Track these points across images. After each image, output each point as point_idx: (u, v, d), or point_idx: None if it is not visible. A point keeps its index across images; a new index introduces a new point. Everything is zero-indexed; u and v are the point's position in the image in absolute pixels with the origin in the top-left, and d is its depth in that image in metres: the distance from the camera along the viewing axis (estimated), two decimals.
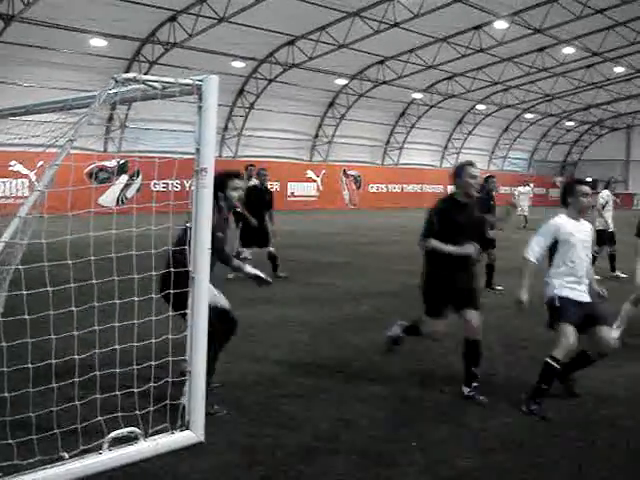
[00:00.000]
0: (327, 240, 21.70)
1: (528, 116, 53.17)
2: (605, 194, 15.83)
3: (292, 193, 40.24)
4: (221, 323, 6.15)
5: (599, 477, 5.04)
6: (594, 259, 8.03)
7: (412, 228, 28.84)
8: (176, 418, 5.34)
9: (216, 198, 5.80)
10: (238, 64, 33.52)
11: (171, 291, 5.24)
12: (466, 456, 5.30)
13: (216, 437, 5.44)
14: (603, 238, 15.29)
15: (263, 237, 13.45)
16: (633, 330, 9.62)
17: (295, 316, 9.71)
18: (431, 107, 46.14)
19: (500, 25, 31.79)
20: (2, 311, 4.79)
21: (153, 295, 5.28)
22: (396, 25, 30.37)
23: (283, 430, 5.73)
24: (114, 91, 4.89)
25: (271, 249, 13.72)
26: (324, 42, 31.95)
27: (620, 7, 30.00)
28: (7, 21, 25.00)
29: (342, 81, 38.82)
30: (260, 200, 13.21)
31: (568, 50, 36.63)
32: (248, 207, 12.76)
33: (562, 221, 6.68)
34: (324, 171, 43.06)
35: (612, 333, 8.66)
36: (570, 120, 56.71)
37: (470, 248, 6.88)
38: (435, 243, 6.70)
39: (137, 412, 5.19)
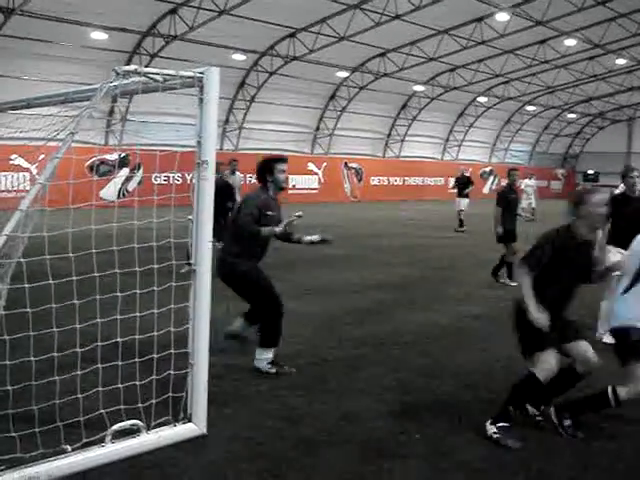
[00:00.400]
0: (328, 233, 21.61)
1: (529, 108, 53.04)
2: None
3: (293, 186, 40.16)
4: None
5: (602, 467, 5.04)
6: None
7: (413, 221, 28.99)
8: (178, 411, 5.35)
9: (264, 180, 7.11)
10: (239, 57, 33.44)
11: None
12: (469, 448, 5.31)
13: (218, 429, 5.45)
14: None
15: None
16: None
17: (296, 309, 9.69)
18: (432, 100, 46.04)
19: (502, 17, 31.69)
20: (4, 304, 4.78)
21: (155, 288, 5.27)
22: (397, 17, 30.28)
23: (285, 422, 5.74)
24: (115, 84, 4.89)
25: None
26: (325, 34, 31.87)
27: None
28: (7, 14, 24.95)
29: (343, 74, 38.72)
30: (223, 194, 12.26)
31: (570, 42, 36.51)
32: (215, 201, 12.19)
33: None
34: (325, 164, 43.01)
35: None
36: (572, 112, 56.56)
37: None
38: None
39: (139, 405, 5.20)
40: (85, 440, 4.83)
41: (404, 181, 49.00)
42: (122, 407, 5.17)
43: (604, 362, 5.80)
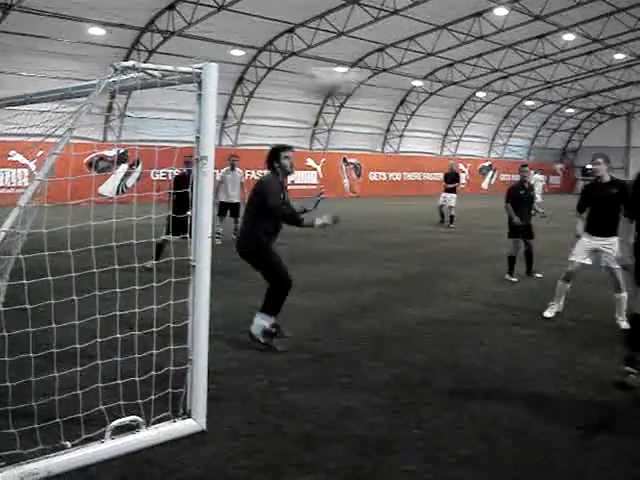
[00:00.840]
0: (327, 228, 21.60)
1: (528, 103, 53.05)
2: None
3: (292, 181, 40.09)
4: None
5: (602, 462, 5.05)
6: None
7: (412, 216, 28.99)
8: (178, 407, 5.36)
9: (273, 167, 7.90)
10: (237, 52, 33.42)
11: None
12: (467, 443, 5.31)
13: (218, 425, 5.46)
14: None
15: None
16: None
17: (296, 304, 9.70)
18: (431, 95, 46.03)
19: (500, 12, 31.68)
20: (3, 300, 4.78)
21: (154, 284, 5.28)
22: (396, 12, 30.26)
23: (284, 418, 5.74)
24: (113, 80, 4.88)
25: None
26: (323, 30, 31.83)
27: None
28: (5, 10, 24.91)
29: (342, 69, 38.66)
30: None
31: (568, 37, 36.49)
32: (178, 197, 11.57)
33: None
34: (324, 159, 43.01)
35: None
36: (570, 107, 56.58)
37: None
38: None
39: (139, 401, 5.20)
40: (84, 436, 4.83)
41: (403, 176, 49.00)
42: (121, 403, 5.17)
43: None
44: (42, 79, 26.85)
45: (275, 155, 7.94)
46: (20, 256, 4.69)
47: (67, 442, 4.76)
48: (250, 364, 7.22)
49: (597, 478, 4.83)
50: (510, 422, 5.79)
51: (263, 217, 7.80)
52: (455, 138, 53.45)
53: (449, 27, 33.68)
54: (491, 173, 56.51)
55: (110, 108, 31.62)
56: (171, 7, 28.07)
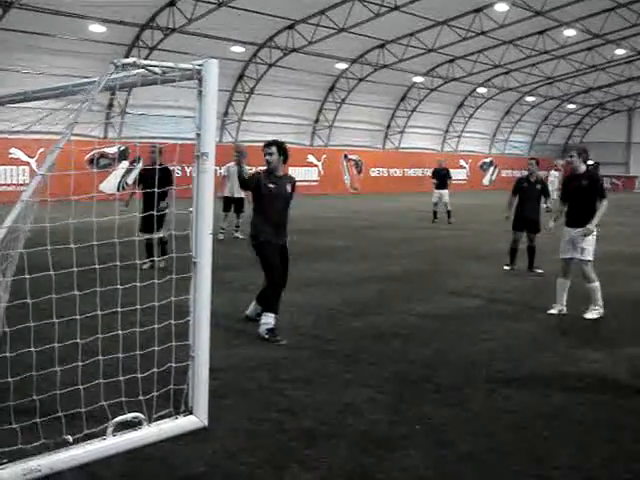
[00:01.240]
0: (328, 224, 21.69)
1: (529, 99, 52.98)
2: None
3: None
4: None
5: (603, 459, 5.05)
6: None
7: (413, 212, 28.98)
8: (180, 403, 5.36)
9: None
10: (238, 49, 33.37)
11: None
12: (469, 439, 5.32)
13: (219, 422, 5.47)
14: None
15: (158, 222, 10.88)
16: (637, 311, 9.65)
17: (296, 301, 9.72)
18: (432, 91, 45.98)
19: (501, 7, 31.60)
20: (7, 297, 4.78)
21: (155, 280, 5.28)
22: (396, 8, 30.21)
23: (286, 414, 5.75)
24: (114, 77, 4.88)
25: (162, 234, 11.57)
26: (324, 26, 31.78)
27: None
28: (5, 8, 24.89)
29: (342, 65, 38.64)
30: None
31: (569, 32, 36.43)
32: (145, 188, 10.84)
33: None
34: (325, 156, 42.97)
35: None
36: (571, 103, 56.52)
37: None
38: None
39: (141, 397, 5.21)
40: (86, 432, 4.84)
41: (404, 172, 48.95)
42: (123, 399, 5.18)
43: None
44: (42, 76, 26.82)
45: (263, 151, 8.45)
46: (22, 251, 4.69)
47: (69, 437, 4.77)
48: (252, 361, 7.23)
49: (599, 473, 4.83)
50: (512, 418, 5.80)
51: (257, 210, 8.38)
52: (456, 134, 53.39)
53: (450, 23, 33.63)
54: (492, 169, 56.45)
55: (111, 105, 31.62)
56: (171, 4, 28.02)
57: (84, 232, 5.12)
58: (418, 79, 43.20)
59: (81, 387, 5.09)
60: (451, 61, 40.81)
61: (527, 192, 13.50)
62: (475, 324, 9.17)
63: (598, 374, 7.05)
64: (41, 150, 25.26)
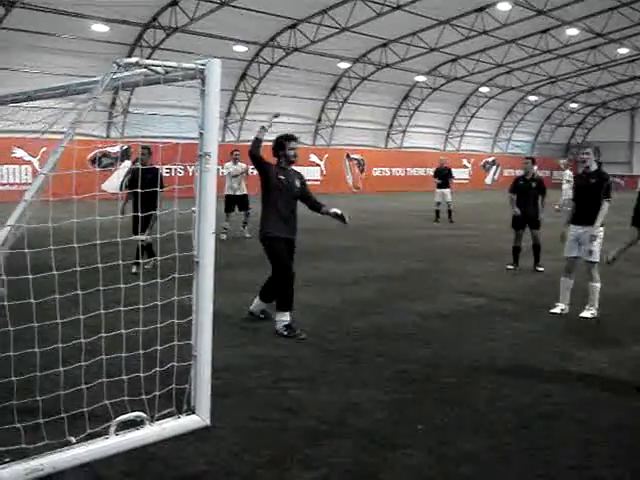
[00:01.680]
0: (330, 224, 21.61)
1: (532, 98, 52.95)
2: None
3: None
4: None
5: (605, 458, 5.04)
6: None
7: (416, 212, 28.91)
8: (182, 402, 5.37)
9: (277, 155, 8.51)
10: (240, 48, 33.38)
11: None
12: (472, 439, 5.31)
13: (222, 421, 5.47)
14: None
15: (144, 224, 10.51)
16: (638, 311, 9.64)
17: (299, 300, 9.70)
18: (434, 90, 45.97)
19: (503, 7, 31.57)
20: (6, 292, 4.78)
21: (158, 280, 5.28)
22: (399, 7, 30.20)
23: (288, 413, 5.75)
24: (116, 76, 4.88)
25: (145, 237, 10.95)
26: (326, 25, 31.78)
27: None
28: (8, 7, 24.92)
29: (345, 64, 38.65)
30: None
31: (572, 31, 36.38)
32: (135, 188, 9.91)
33: None
34: (327, 155, 42.97)
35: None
36: (574, 102, 56.47)
37: None
38: None
39: (143, 396, 5.21)
40: (89, 431, 4.85)
41: (406, 172, 48.96)
42: (126, 399, 5.19)
43: None
44: (45, 76, 26.83)
45: (281, 144, 8.56)
46: (25, 250, 4.69)
47: (72, 437, 4.78)
48: (254, 360, 7.23)
49: (602, 474, 4.82)
50: (514, 418, 5.79)
51: (267, 203, 8.30)
52: (458, 133, 53.39)
53: (452, 22, 33.62)
54: (494, 168, 56.44)
55: (113, 104, 31.63)
56: (174, 3, 28.05)
57: (86, 232, 5.12)
58: (420, 78, 43.20)
59: (84, 387, 5.10)
60: (453, 60, 40.79)
61: (524, 190, 13.68)
62: (477, 323, 9.16)
63: (600, 373, 7.04)
64: (43, 150, 25.31)
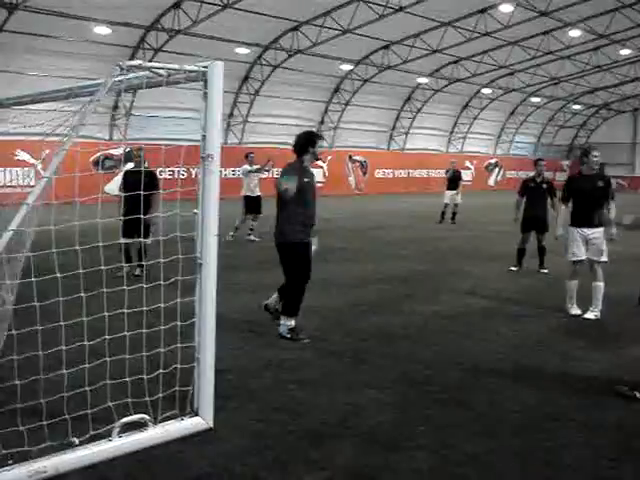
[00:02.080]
0: (333, 225, 21.67)
1: (534, 100, 52.90)
2: None
3: None
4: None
5: (608, 460, 5.04)
6: None
7: (419, 213, 28.92)
8: (185, 404, 5.37)
9: (304, 151, 8.21)
10: (242, 50, 33.39)
11: None
12: (473, 440, 5.32)
13: (225, 423, 5.47)
14: None
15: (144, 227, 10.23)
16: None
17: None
18: (437, 92, 45.95)
19: (505, 8, 31.56)
20: (13, 299, 4.80)
21: (161, 282, 5.29)
22: (401, 9, 30.19)
23: (291, 415, 5.76)
24: (119, 79, 4.89)
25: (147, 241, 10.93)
26: (329, 27, 31.78)
27: None
28: (11, 10, 24.95)
29: (347, 66, 38.64)
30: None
31: (574, 33, 36.35)
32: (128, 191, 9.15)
33: None
34: (330, 157, 42.97)
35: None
36: (576, 103, 56.40)
37: None
38: None
39: (146, 398, 5.22)
40: (92, 433, 4.85)
41: (409, 174, 48.94)
42: (129, 400, 5.19)
43: None
44: (48, 78, 26.86)
45: (312, 140, 8.34)
46: (29, 254, 4.71)
47: (75, 439, 4.79)
48: (257, 362, 7.24)
49: (603, 474, 4.83)
50: (517, 419, 5.79)
51: (288, 207, 8.05)
52: (461, 135, 53.36)
53: (454, 24, 33.60)
54: (497, 170, 56.41)
55: (116, 107, 31.65)
56: (176, 5, 28.06)
57: (89, 234, 5.13)
58: (423, 80, 43.19)
59: (87, 389, 5.11)
60: (456, 62, 40.77)
61: (534, 192, 13.56)
62: (480, 325, 9.17)
63: (601, 375, 7.04)
64: (46, 152, 25.32)
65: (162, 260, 5.27)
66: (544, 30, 35.81)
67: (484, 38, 35.37)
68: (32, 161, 27.93)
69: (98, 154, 29.26)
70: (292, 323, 8.23)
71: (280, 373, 6.88)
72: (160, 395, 5.28)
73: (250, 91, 37.45)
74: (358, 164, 45.13)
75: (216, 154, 5.24)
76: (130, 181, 10.61)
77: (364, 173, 45.60)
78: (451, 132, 52.97)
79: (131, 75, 5.06)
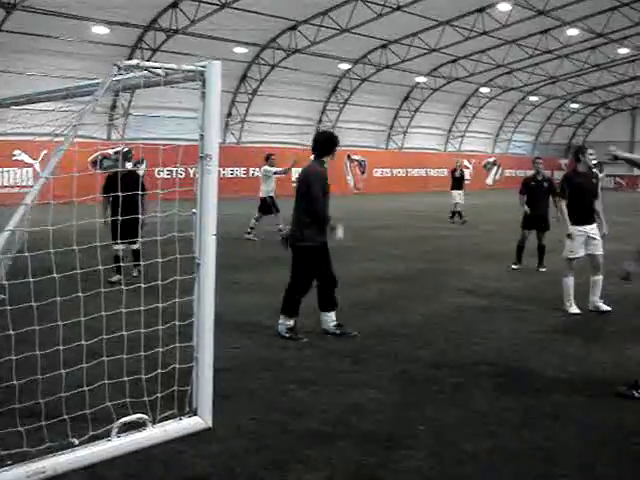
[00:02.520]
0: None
1: (532, 99, 52.94)
2: None
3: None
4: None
5: (606, 458, 5.04)
6: None
7: (417, 212, 28.93)
8: (184, 404, 5.37)
9: (326, 152, 8.57)
10: (240, 50, 33.39)
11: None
12: (473, 439, 5.31)
13: (224, 423, 5.47)
14: None
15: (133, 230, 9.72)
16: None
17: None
18: (435, 91, 45.96)
19: (503, 7, 31.59)
20: (5, 297, 4.78)
21: (159, 282, 5.28)
22: (399, 8, 30.20)
23: (291, 415, 5.75)
24: (117, 78, 4.88)
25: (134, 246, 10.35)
26: (327, 27, 31.80)
27: None
28: (9, 10, 24.93)
29: (345, 66, 38.67)
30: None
31: (572, 32, 36.38)
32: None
33: None
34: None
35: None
36: (574, 102, 56.46)
37: None
38: None
39: (145, 398, 5.22)
40: (91, 433, 4.85)
41: (407, 173, 48.95)
42: (128, 400, 5.19)
43: None
44: (46, 78, 26.85)
45: (336, 142, 8.78)
46: (26, 254, 4.70)
47: (75, 439, 4.78)
48: (256, 361, 7.23)
49: (605, 473, 4.82)
50: (516, 418, 5.79)
51: (311, 207, 8.07)
52: (459, 134, 53.38)
53: (452, 23, 33.63)
54: (495, 169, 56.41)
55: (114, 106, 31.63)
56: (174, 5, 28.07)
57: (87, 234, 5.12)
58: (421, 79, 43.20)
59: (86, 389, 5.10)
60: (454, 61, 40.79)
61: (536, 191, 13.62)
62: (479, 324, 9.16)
63: (602, 373, 7.04)
64: (44, 152, 25.31)
65: (160, 260, 5.26)
66: (542, 29, 35.85)
67: (482, 37, 35.40)
68: (30, 161, 27.92)
69: (96, 154, 29.22)
70: (291, 323, 8.22)
71: (279, 373, 6.88)
72: (159, 395, 5.28)
73: (248, 91, 37.46)
74: (356, 163, 45.13)
75: (214, 154, 5.23)
76: (117, 183, 9.70)
77: (362, 172, 45.60)
78: (449, 131, 53.00)
79: (129, 75, 5.04)
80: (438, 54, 38.18)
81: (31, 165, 28.39)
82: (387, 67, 38.96)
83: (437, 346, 8.02)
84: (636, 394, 6.24)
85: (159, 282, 5.29)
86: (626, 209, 22.99)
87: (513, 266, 13.64)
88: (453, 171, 24.98)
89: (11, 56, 27.26)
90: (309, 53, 34.67)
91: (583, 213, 9.57)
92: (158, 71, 5.05)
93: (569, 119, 61.54)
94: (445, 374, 6.95)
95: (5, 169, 28.84)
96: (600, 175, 32.49)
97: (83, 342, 5.07)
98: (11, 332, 4.65)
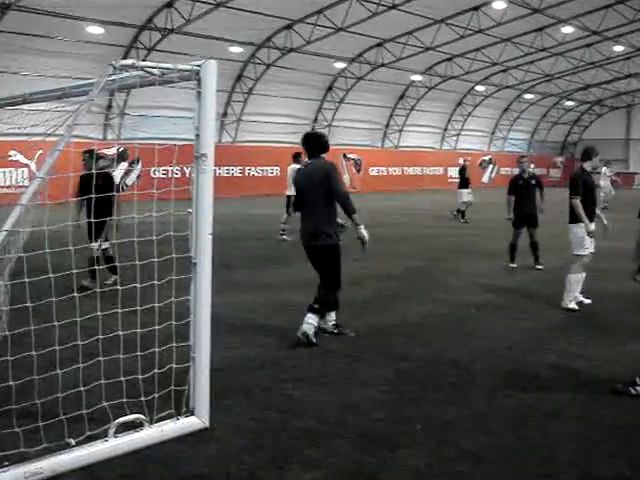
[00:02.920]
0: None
1: (528, 96, 52.99)
2: None
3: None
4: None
5: (604, 456, 5.04)
6: None
7: (413, 211, 28.89)
8: (181, 404, 5.36)
9: (322, 151, 8.89)
10: (236, 49, 33.37)
11: None
12: (471, 437, 5.31)
13: (221, 422, 5.46)
14: None
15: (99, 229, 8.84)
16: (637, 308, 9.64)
17: (297, 301, 9.69)
18: (430, 89, 45.98)
19: (498, 5, 31.63)
20: (7, 299, 4.78)
21: (155, 282, 5.28)
22: (394, 7, 30.22)
23: (288, 414, 5.75)
24: (112, 78, 4.87)
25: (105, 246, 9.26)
26: (322, 26, 31.79)
27: None
28: (3, 10, 24.88)
29: (341, 64, 38.67)
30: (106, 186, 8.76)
31: (567, 29, 36.43)
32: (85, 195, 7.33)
33: None
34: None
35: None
36: (570, 100, 56.52)
37: None
38: None
39: (142, 398, 5.21)
40: (88, 434, 4.84)
41: (403, 171, 48.96)
42: (124, 401, 5.18)
43: None
44: (41, 78, 26.80)
45: (327, 140, 9.06)
46: (22, 254, 4.69)
47: (72, 440, 4.77)
48: (253, 361, 7.23)
49: (602, 471, 4.82)
50: (513, 416, 5.79)
51: (326, 206, 8.09)
52: (455, 132, 53.41)
53: (447, 21, 33.64)
54: (491, 167, 56.44)
55: (109, 106, 31.59)
56: (169, 5, 28.04)
57: (83, 234, 5.11)
58: (416, 77, 43.23)
59: (82, 389, 5.09)
60: (449, 59, 40.82)
61: (524, 190, 13.68)
62: (476, 322, 9.17)
63: (600, 371, 7.04)
64: (40, 152, 25.27)
65: (156, 260, 5.25)
66: (537, 27, 35.90)
67: (477, 35, 35.44)
68: (26, 161, 27.87)
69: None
70: (333, 316, 8.35)
71: (276, 372, 6.87)
72: (156, 395, 5.26)
73: (244, 90, 37.43)
74: (352, 162, 45.14)
75: (210, 153, 5.23)
76: (86, 185, 8.91)
77: (358, 171, 45.61)
78: (445, 129, 53.02)
79: (124, 74, 5.04)
80: (433, 52, 38.21)
81: (27, 165, 28.32)
82: (382, 66, 38.97)
83: (434, 345, 8.02)
84: (634, 391, 6.25)
85: (155, 282, 5.28)
86: (620, 206, 22.96)
87: (511, 265, 13.64)
88: (462, 170, 24.97)
89: (5, 56, 27.19)
90: (304, 52, 34.67)
91: (590, 210, 9.65)
92: (153, 71, 5.04)
93: (564, 117, 61.61)
94: (442, 372, 6.95)
95: (0, 170, 28.78)
96: (608, 172, 32.95)
97: (79, 342, 5.06)
98: (7, 333, 4.64)
